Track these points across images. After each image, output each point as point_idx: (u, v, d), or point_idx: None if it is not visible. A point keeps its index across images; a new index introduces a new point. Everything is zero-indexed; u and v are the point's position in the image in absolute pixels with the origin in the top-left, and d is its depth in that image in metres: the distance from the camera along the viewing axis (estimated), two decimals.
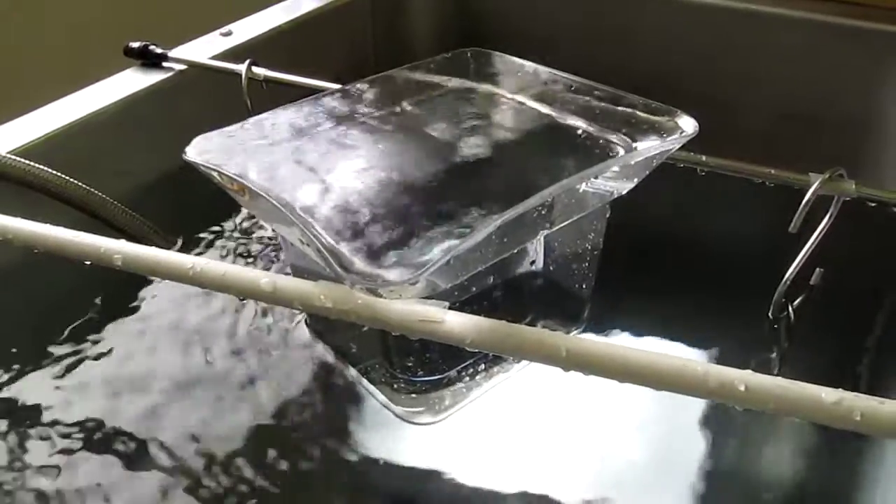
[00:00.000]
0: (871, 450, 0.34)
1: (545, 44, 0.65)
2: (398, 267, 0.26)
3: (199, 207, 0.49)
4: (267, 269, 0.45)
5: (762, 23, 0.58)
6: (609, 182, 0.33)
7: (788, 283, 0.38)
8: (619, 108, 0.35)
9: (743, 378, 0.24)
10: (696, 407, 0.36)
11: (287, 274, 0.33)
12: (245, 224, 0.48)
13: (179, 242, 0.46)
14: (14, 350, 0.39)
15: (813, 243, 0.36)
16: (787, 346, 0.39)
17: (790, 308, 0.39)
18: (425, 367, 0.34)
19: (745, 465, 0.34)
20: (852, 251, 0.44)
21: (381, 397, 0.35)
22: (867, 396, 0.23)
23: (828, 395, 0.24)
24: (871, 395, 0.23)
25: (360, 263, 0.26)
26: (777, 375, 0.24)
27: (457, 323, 0.26)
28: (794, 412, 0.24)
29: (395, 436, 0.35)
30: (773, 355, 0.39)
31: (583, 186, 0.32)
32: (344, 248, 0.27)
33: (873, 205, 0.37)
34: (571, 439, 0.35)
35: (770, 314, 0.39)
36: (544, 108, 0.36)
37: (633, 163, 0.32)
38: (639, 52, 0.63)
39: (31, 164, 0.41)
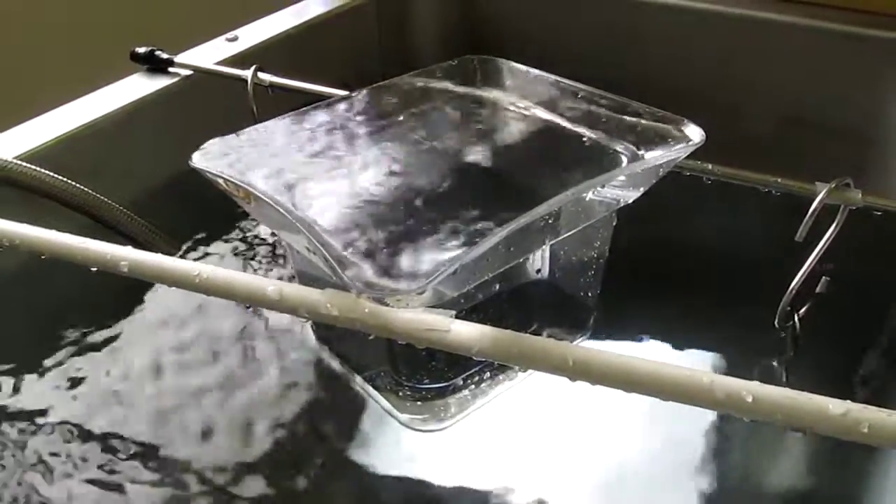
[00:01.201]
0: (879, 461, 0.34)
1: (551, 51, 0.65)
2: (405, 276, 0.26)
3: (205, 213, 0.49)
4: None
5: (767, 30, 0.58)
6: (615, 190, 0.33)
7: (794, 291, 0.37)
8: (626, 117, 0.35)
9: (750, 389, 0.24)
10: (697, 415, 0.36)
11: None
12: (252, 230, 0.48)
13: (183, 249, 0.46)
14: (19, 353, 0.39)
15: (819, 252, 0.36)
16: (792, 355, 0.39)
17: (796, 317, 0.39)
18: (431, 375, 0.34)
19: (750, 469, 0.34)
20: (858, 260, 0.44)
21: (387, 404, 0.35)
22: (875, 408, 0.23)
23: (835, 406, 0.23)
24: (878, 405, 0.23)
25: (367, 272, 0.26)
26: (782, 385, 0.24)
27: (463, 332, 0.26)
28: (802, 423, 0.24)
29: (400, 443, 0.34)
30: (779, 365, 0.39)
31: (589, 195, 0.32)
32: (351, 257, 0.27)
33: (879, 214, 0.37)
34: (575, 446, 0.35)
35: (776, 323, 0.39)
36: (550, 116, 0.36)
37: (639, 171, 0.32)
38: (644, 60, 0.63)
39: (37, 168, 0.41)
